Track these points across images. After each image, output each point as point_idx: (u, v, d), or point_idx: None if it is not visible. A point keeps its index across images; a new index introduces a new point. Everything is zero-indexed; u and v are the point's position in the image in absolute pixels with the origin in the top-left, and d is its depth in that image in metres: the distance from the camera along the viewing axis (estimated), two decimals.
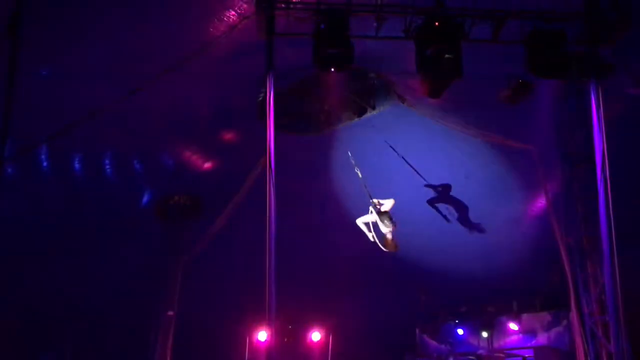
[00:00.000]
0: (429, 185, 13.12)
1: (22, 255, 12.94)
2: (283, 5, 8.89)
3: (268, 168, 8.64)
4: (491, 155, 12.71)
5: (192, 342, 13.83)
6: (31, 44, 8.21)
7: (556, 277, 12.60)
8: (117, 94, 9.82)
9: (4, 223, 12.03)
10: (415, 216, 13.15)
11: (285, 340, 14.70)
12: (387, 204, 9.86)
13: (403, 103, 12.04)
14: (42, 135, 11.03)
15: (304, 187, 12.88)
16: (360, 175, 10.12)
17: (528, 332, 14.77)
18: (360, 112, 12.51)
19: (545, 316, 14.61)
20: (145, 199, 13.52)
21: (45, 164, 12.07)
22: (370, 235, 9.91)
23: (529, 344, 14.46)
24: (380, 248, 9.77)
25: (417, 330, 15.93)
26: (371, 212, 9.87)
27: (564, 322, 13.96)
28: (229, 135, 12.69)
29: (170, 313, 13.22)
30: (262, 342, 13.98)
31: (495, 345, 14.95)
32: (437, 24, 8.97)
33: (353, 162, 10.31)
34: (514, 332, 14.90)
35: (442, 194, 13.28)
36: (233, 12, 9.90)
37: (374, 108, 12.45)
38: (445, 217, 13.35)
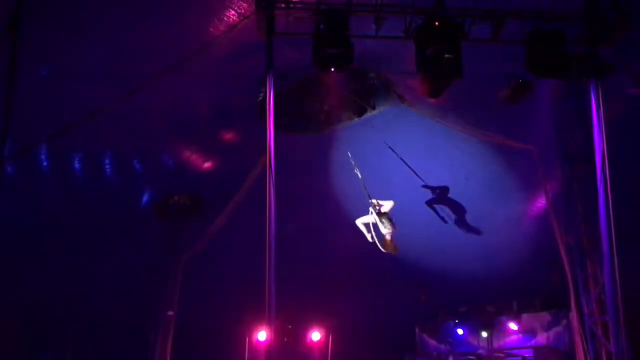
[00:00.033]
0: (426, 187, 13.12)
1: (22, 255, 12.94)
2: (283, 5, 8.89)
3: (268, 168, 8.65)
4: (491, 155, 12.71)
5: (192, 342, 13.84)
6: (31, 44, 8.21)
7: (556, 277, 12.60)
8: (117, 94, 9.82)
9: (4, 223, 12.04)
10: (415, 216, 13.18)
11: (285, 340, 14.70)
12: (387, 206, 9.86)
13: (403, 103, 12.03)
14: (42, 135, 11.03)
15: (304, 187, 12.87)
16: (360, 176, 10.12)
17: (528, 332, 14.77)
18: (360, 112, 12.51)
19: (545, 316, 14.62)
20: (145, 198, 13.53)
21: (45, 163, 12.07)
22: (369, 236, 9.91)
23: (528, 344, 14.47)
24: (380, 248, 9.78)
25: (416, 330, 15.94)
26: (371, 212, 9.87)
27: (564, 322, 13.96)
28: (229, 135, 12.69)
29: (170, 313, 13.22)
30: (262, 342, 13.97)
31: (495, 345, 14.96)
32: (437, 23, 8.97)
33: (353, 162, 10.32)
34: (514, 332, 14.90)
35: (440, 195, 13.28)
36: (233, 12, 9.90)
37: (374, 108, 12.45)
38: (442, 218, 13.35)
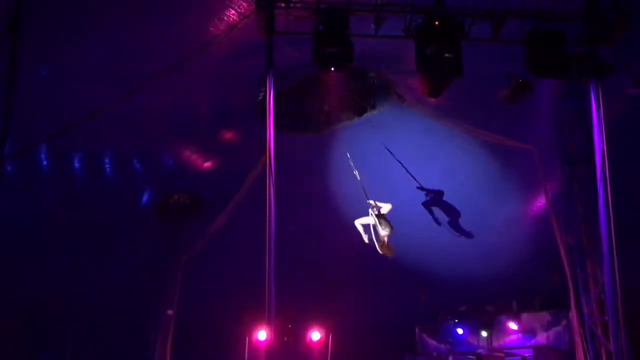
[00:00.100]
0: (421, 188, 13.12)
1: (22, 255, 12.93)
2: (283, 4, 8.90)
3: (268, 168, 8.65)
4: (491, 155, 12.70)
5: (192, 341, 13.83)
6: (31, 44, 8.21)
7: (556, 277, 12.60)
8: (117, 94, 9.82)
9: (4, 223, 12.04)
10: (415, 216, 13.19)
11: (285, 339, 14.70)
12: (385, 208, 9.89)
13: (403, 103, 12.03)
14: (42, 135, 11.02)
15: (304, 187, 12.86)
16: (358, 178, 10.15)
17: (527, 331, 14.78)
18: (360, 112, 12.51)
19: (545, 316, 14.62)
20: (145, 198, 13.52)
21: (45, 163, 12.07)
22: (366, 237, 9.95)
23: (528, 344, 14.47)
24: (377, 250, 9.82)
25: (416, 330, 15.93)
26: (370, 214, 9.90)
27: (564, 321, 13.97)
28: (229, 135, 12.68)
29: (170, 312, 13.22)
30: (262, 341, 13.97)
31: (495, 344, 14.96)
32: (437, 23, 8.97)
33: (352, 163, 10.34)
34: (514, 331, 14.91)
35: (435, 198, 13.29)
36: (233, 11, 9.89)
37: (374, 107, 12.44)
38: (436, 220, 13.36)
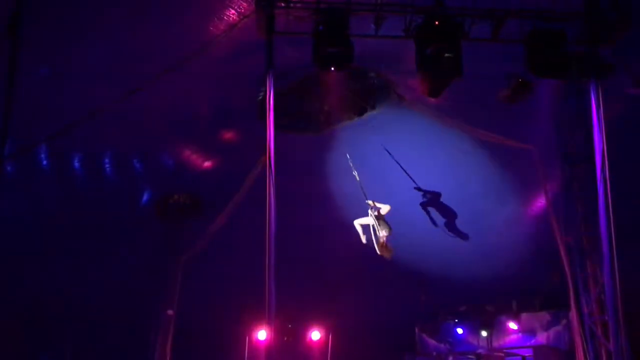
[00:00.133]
0: (418, 189, 13.13)
1: (22, 255, 12.93)
2: (283, 4, 8.89)
3: (268, 168, 8.65)
4: (491, 155, 12.70)
5: (192, 341, 13.84)
6: (31, 44, 8.21)
7: (556, 277, 12.61)
8: (117, 94, 9.81)
9: (4, 223, 12.04)
10: (415, 216, 13.20)
11: (285, 339, 14.71)
12: (384, 209, 9.93)
13: (403, 102, 12.03)
14: (42, 135, 11.02)
15: (304, 186, 12.86)
16: (357, 178, 10.16)
17: (527, 331, 14.78)
18: (360, 112, 12.50)
19: (545, 316, 14.63)
20: (145, 198, 13.52)
21: (45, 163, 12.07)
22: (364, 238, 9.99)
23: (528, 344, 14.48)
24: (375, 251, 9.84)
25: (416, 330, 15.94)
26: (370, 215, 9.93)
27: (563, 321, 13.97)
28: (229, 135, 12.68)
29: (170, 312, 13.21)
30: (262, 341, 13.97)
31: (495, 344, 14.97)
32: (437, 23, 8.97)
33: (351, 164, 10.36)
34: (514, 331, 14.91)
35: (432, 199, 13.30)
36: (233, 11, 9.89)
37: (374, 107, 12.44)
38: (433, 221, 13.37)
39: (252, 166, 11.20)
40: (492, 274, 13.86)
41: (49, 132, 10.72)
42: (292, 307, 12.53)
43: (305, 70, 10.81)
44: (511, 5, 9.17)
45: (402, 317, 15.37)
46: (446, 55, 8.90)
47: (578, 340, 11.75)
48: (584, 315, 11.81)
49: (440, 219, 13.41)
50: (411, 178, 12.85)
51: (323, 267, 14.10)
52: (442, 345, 15.40)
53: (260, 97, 11.02)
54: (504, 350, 14.56)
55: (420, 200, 13.30)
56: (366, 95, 12.34)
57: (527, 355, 13.96)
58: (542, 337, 14.52)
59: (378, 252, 9.81)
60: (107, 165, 12.55)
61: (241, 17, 9.82)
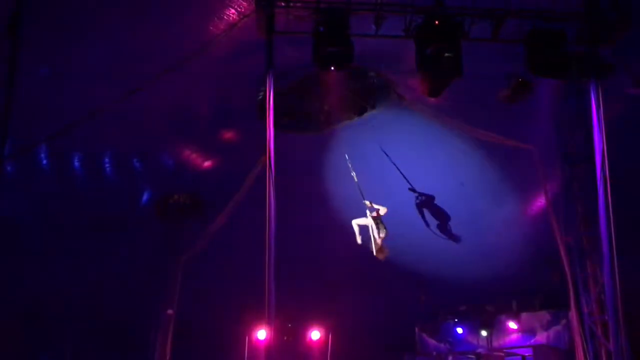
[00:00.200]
0: (412, 190, 13.14)
1: (22, 255, 12.93)
2: (283, 4, 8.89)
3: (268, 167, 8.65)
4: (491, 155, 12.70)
5: (191, 340, 13.84)
6: (31, 44, 8.21)
7: (556, 277, 12.60)
8: (117, 94, 9.81)
9: (4, 223, 12.04)
10: (415, 217, 13.22)
11: (285, 339, 14.70)
12: (382, 210, 9.97)
13: (403, 102, 12.03)
14: (42, 135, 11.02)
15: (304, 186, 12.87)
16: (356, 179, 10.18)
17: (527, 331, 14.79)
18: (360, 112, 12.51)
19: (545, 315, 14.64)
20: (145, 198, 13.52)
21: (45, 163, 12.06)
22: (359, 238, 10.04)
23: (528, 343, 14.49)
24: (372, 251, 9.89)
25: (416, 329, 15.94)
26: (368, 216, 9.97)
27: (563, 321, 13.98)
28: (229, 135, 12.68)
29: (170, 312, 13.21)
30: (262, 341, 13.96)
31: (495, 344, 14.97)
32: (437, 22, 8.97)
33: (350, 165, 10.38)
34: (513, 331, 14.92)
35: (426, 201, 13.32)
36: (233, 11, 9.89)
37: (373, 107, 12.44)
38: (426, 222, 13.38)
39: (252, 166, 11.19)
40: (492, 274, 13.87)
41: (49, 132, 10.71)
42: (292, 306, 12.52)
43: (305, 70, 10.81)
44: (511, 5, 9.16)
45: (402, 317, 15.38)
46: (446, 55, 8.90)
47: (578, 340, 11.75)
48: (584, 315, 11.81)
49: (433, 221, 13.43)
50: (406, 179, 12.86)
51: (323, 267, 14.10)
52: (442, 345, 15.41)
53: (260, 97, 11.02)
54: (504, 350, 14.57)
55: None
56: (366, 95, 12.35)
57: (527, 354, 13.96)
58: (542, 337, 14.52)
59: (374, 253, 9.87)
60: (107, 165, 12.55)
61: (241, 16, 9.82)
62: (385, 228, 9.80)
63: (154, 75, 9.71)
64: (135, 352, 13.52)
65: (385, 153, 12.40)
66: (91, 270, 13.50)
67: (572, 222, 12.02)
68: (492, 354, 14.38)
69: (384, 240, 9.87)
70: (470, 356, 14.44)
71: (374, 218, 9.89)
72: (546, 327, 14.52)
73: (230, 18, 9.95)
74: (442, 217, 13.39)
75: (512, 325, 14.89)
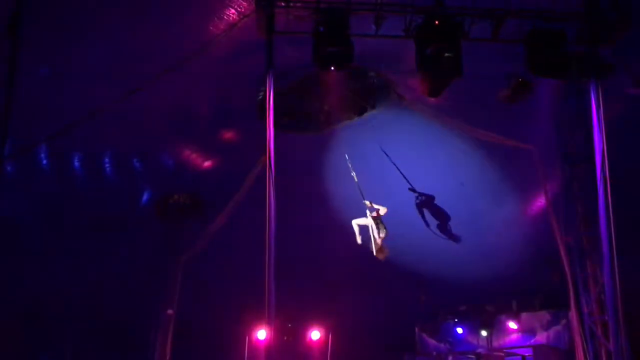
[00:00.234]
0: (412, 190, 13.15)
1: (22, 255, 12.93)
2: (283, 4, 8.89)
3: (268, 167, 8.65)
4: (491, 155, 12.70)
5: (191, 340, 13.84)
6: (31, 44, 8.21)
7: (556, 277, 12.61)
8: (117, 94, 9.81)
9: (4, 223, 12.04)
10: (415, 216, 13.21)
11: (285, 338, 14.70)
12: (382, 210, 9.98)
13: (403, 102, 12.03)
14: (42, 135, 11.02)
15: (304, 186, 12.87)
16: (356, 179, 10.18)
17: (527, 331, 14.79)
18: (360, 112, 12.51)
19: (545, 315, 14.63)
20: (145, 198, 13.52)
21: (45, 163, 12.06)
22: (359, 238, 10.06)
23: (528, 343, 14.49)
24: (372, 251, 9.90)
25: (416, 329, 15.94)
26: (368, 216, 9.98)
27: (563, 321, 13.98)
28: (228, 135, 12.68)
29: (170, 312, 13.21)
30: (262, 341, 13.96)
31: (495, 344, 14.97)
32: (437, 22, 8.97)
33: (350, 165, 10.38)
34: (513, 331, 14.92)
35: (426, 201, 13.32)
36: (233, 11, 9.89)
37: (373, 107, 12.44)
38: (426, 222, 13.39)
39: (252, 166, 11.20)
40: (492, 274, 13.87)
41: (49, 132, 10.71)
42: (292, 306, 12.52)
43: (305, 70, 10.81)
44: (511, 5, 9.16)
45: (402, 317, 15.38)
46: (446, 55, 8.90)
47: (578, 339, 11.75)
48: (584, 315, 11.81)
49: (433, 221, 13.43)
50: (407, 180, 12.86)
51: (323, 267, 14.10)
52: (442, 345, 15.41)
53: (260, 97, 11.02)
54: (504, 350, 14.57)
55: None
56: (366, 95, 12.35)
57: (527, 354, 13.96)
58: (541, 337, 14.52)
59: (374, 253, 9.88)
60: (107, 165, 12.55)
61: (241, 16, 9.82)
62: (385, 228, 9.82)
63: (154, 75, 9.71)
64: (135, 352, 13.52)
65: (385, 153, 12.41)
66: (91, 270, 13.50)
67: (572, 222, 12.02)
68: (492, 354, 14.38)
69: (384, 240, 9.88)
70: (470, 356, 14.43)
71: (374, 218, 9.90)
72: (546, 327, 14.52)
73: (230, 18, 9.95)
74: (442, 217, 13.40)
75: (512, 325, 14.89)
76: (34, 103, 10.11)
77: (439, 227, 13.43)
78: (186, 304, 13.12)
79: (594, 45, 9.43)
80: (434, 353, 15.33)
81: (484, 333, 15.12)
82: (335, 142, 12.65)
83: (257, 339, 14.27)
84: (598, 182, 9.31)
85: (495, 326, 15.14)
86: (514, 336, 14.93)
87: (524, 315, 14.90)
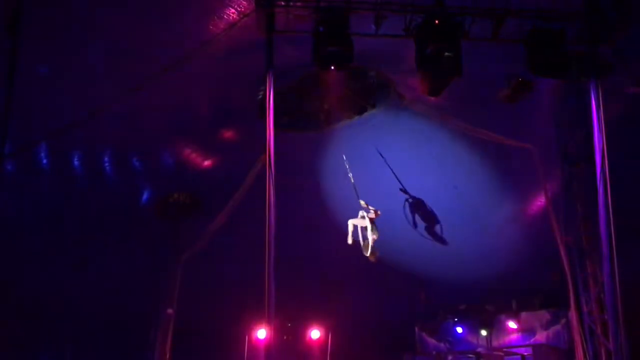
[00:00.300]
0: (403, 191, 13.15)
1: (22, 255, 12.93)
2: (283, 3, 8.90)
3: (268, 167, 8.66)
4: (491, 155, 12.70)
5: (191, 339, 13.84)
6: (31, 44, 8.20)
7: (555, 277, 12.61)
8: (117, 94, 9.81)
9: (4, 223, 12.04)
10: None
11: (285, 338, 14.71)
12: (376, 213, 10.02)
13: (403, 102, 12.03)
14: (42, 134, 11.02)
15: (304, 186, 12.87)
16: (352, 180, 10.21)
17: (527, 330, 14.79)
18: (360, 111, 12.51)
19: (544, 315, 14.64)
20: (145, 197, 13.52)
21: (45, 162, 12.06)
22: (350, 238, 10.10)
23: (527, 342, 14.49)
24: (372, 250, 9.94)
25: (416, 329, 15.95)
26: (363, 217, 10.01)
27: (563, 320, 13.98)
28: (228, 134, 12.68)
29: (170, 311, 13.22)
30: (262, 340, 13.97)
31: (494, 343, 14.97)
32: (437, 22, 8.98)
33: (347, 165, 10.40)
34: (513, 330, 14.92)
35: (416, 203, 13.33)
36: (233, 10, 9.89)
37: (373, 107, 12.44)
38: (414, 223, 13.40)
39: (252, 165, 11.21)
40: (492, 274, 13.87)
41: (48, 131, 10.71)
42: (291, 306, 12.52)
43: (305, 69, 10.81)
44: (511, 4, 9.17)
45: (402, 317, 15.38)
46: (446, 54, 8.91)
47: (577, 339, 11.77)
48: (584, 314, 11.83)
49: (421, 223, 13.46)
50: (399, 181, 12.85)
51: (323, 266, 14.11)
52: (441, 345, 15.41)
53: (260, 97, 11.01)
54: (504, 349, 14.57)
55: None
56: (366, 94, 12.34)
57: (526, 354, 13.97)
58: (541, 336, 14.53)
59: (365, 254, 9.92)
60: (107, 165, 12.54)
61: (241, 16, 9.82)
62: (377, 230, 9.87)
63: (153, 75, 9.71)
64: (135, 352, 13.52)
65: (381, 154, 12.41)
66: (91, 270, 13.50)
67: (572, 222, 12.03)
68: (492, 354, 14.39)
69: (375, 242, 9.93)
70: (470, 356, 14.44)
71: (370, 219, 9.94)
72: (546, 327, 14.52)
73: (230, 17, 9.95)
74: (431, 219, 13.40)
75: (512, 324, 14.89)
76: (34, 103, 10.10)
77: (426, 229, 13.44)
78: (186, 303, 13.13)
79: (594, 45, 9.43)
80: (434, 352, 15.33)
81: (483, 332, 15.13)
82: (335, 142, 12.65)
83: (257, 338, 14.28)
84: (598, 182, 9.31)
85: (495, 326, 15.14)
86: (514, 336, 14.93)
87: (523, 314, 14.90)
